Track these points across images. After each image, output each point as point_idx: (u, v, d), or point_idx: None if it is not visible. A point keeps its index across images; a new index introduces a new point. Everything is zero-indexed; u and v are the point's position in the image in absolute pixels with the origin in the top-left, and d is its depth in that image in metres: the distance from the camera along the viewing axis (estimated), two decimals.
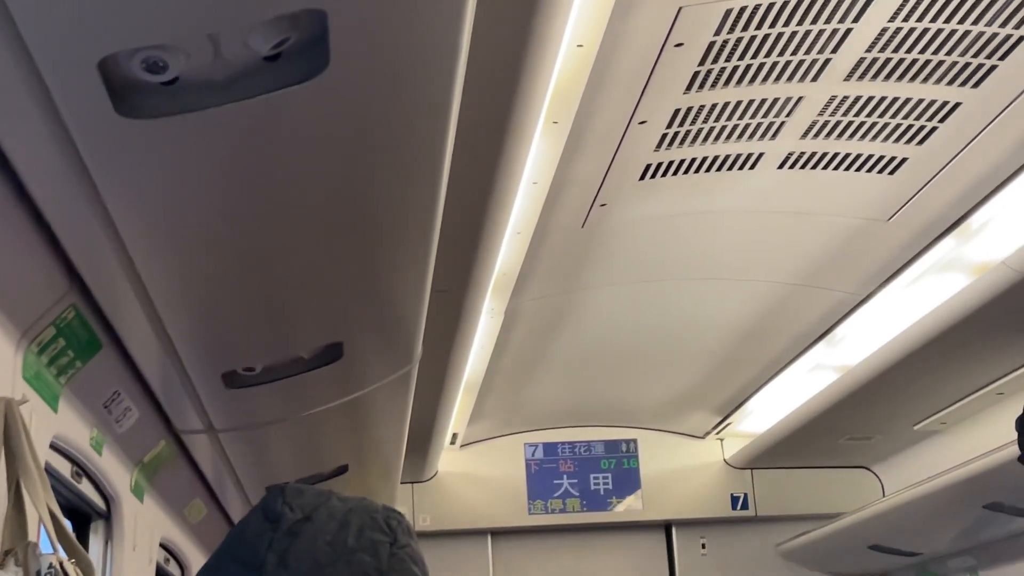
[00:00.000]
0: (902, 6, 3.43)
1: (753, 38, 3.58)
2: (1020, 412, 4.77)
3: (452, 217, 2.60)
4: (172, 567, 4.41)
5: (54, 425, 2.69)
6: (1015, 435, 4.77)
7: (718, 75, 3.78)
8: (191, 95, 1.64)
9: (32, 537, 2.32)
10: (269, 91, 1.65)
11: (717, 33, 3.54)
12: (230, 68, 1.62)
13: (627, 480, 8.09)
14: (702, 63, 3.70)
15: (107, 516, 3.43)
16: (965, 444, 6.19)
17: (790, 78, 3.82)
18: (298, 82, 1.65)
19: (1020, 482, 5.12)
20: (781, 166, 4.44)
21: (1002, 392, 5.76)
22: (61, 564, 2.31)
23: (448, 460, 7.88)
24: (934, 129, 4.10)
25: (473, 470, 8.04)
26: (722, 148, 4.28)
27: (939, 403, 6.20)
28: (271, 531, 1.23)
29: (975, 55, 3.65)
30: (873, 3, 3.42)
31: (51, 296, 2.42)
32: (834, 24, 3.53)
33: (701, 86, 3.83)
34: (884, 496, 7.47)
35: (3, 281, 2.26)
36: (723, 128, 4.13)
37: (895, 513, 6.44)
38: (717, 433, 8.00)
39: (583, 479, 8.07)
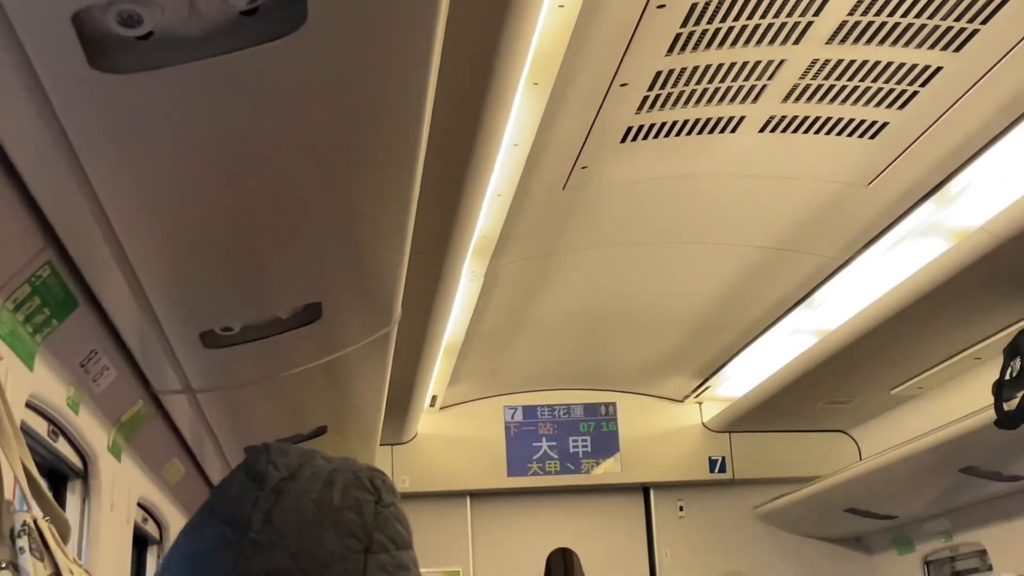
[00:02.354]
0: None
1: (735, 0, 3.56)
2: (997, 377, 4.81)
3: (432, 178, 2.58)
4: (150, 526, 4.41)
5: (30, 383, 2.68)
6: (992, 400, 4.80)
7: (700, 37, 3.76)
8: (166, 50, 1.62)
9: (7, 495, 2.31)
10: (245, 47, 1.63)
11: None
12: (206, 23, 1.60)
13: (606, 443, 8.12)
14: (684, 25, 3.68)
15: (84, 475, 3.41)
16: (942, 408, 6.23)
17: (772, 41, 3.80)
18: (275, 38, 1.63)
19: (996, 446, 5.16)
20: (762, 130, 4.43)
21: (979, 357, 5.79)
22: (36, 522, 2.30)
23: (428, 422, 7.90)
24: (915, 93, 4.10)
25: (453, 432, 8.05)
26: (703, 111, 4.27)
27: (917, 368, 6.23)
28: (256, 490, 1.22)
29: (957, 19, 3.65)
30: None
31: (26, 253, 2.40)
32: None
33: (683, 48, 3.82)
34: (861, 460, 7.51)
35: None
36: (704, 91, 4.12)
37: (871, 477, 6.49)
38: (696, 397, 8.04)
39: (562, 442, 8.09)
